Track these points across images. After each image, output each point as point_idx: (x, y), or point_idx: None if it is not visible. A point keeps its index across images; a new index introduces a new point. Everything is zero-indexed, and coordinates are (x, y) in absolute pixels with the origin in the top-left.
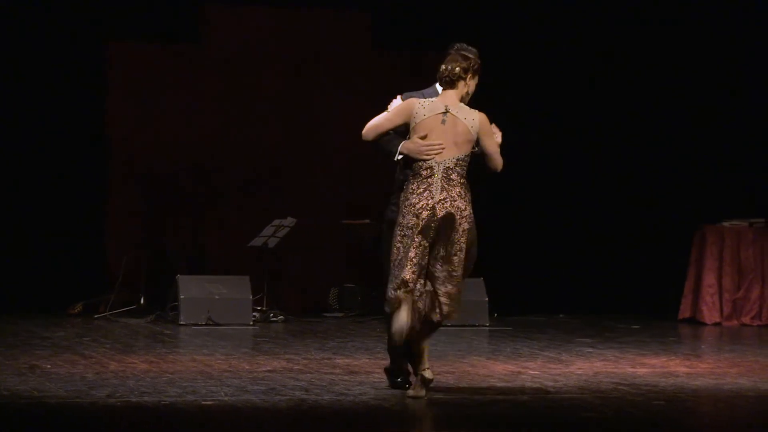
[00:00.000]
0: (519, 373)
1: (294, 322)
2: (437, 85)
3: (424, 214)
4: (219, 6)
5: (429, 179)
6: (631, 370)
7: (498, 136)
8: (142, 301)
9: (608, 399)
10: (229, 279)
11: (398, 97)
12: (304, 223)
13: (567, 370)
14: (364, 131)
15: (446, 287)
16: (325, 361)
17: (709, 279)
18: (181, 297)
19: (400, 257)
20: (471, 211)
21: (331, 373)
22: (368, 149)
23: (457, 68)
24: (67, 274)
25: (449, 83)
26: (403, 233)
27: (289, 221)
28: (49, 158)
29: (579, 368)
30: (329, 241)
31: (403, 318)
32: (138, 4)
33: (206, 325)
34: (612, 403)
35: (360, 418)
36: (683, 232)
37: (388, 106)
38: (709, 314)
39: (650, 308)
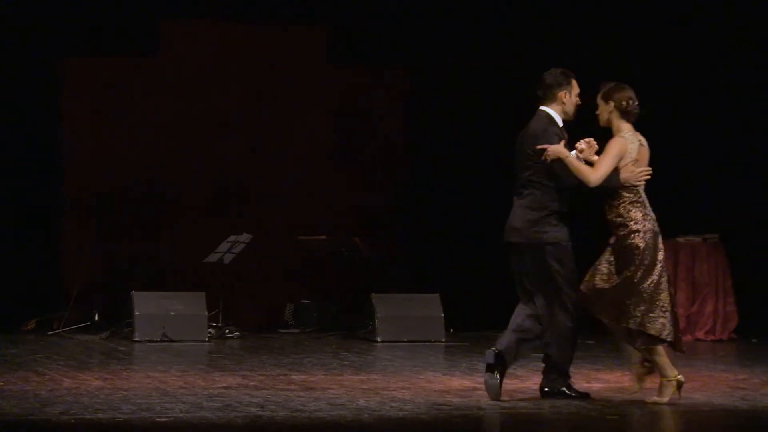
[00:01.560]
0: (475, 388)
1: (250, 338)
2: (556, 116)
3: (656, 233)
4: (177, 21)
5: (645, 201)
6: (586, 384)
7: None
8: (96, 318)
9: (563, 414)
10: (185, 295)
11: (548, 148)
12: (259, 239)
13: (523, 386)
14: (595, 181)
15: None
16: (281, 377)
17: None
18: (136, 313)
19: (656, 281)
20: None
21: (287, 390)
22: (324, 164)
23: (637, 102)
24: (21, 290)
25: (636, 116)
26: (652, 256)
27: (245, 237)
28: (3, 174)
29: (534, 383)
30: (285, 257)
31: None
32: (95, 18)
33: (161, 341)
34: (567, 418)
35: None
36: None
37: (573, 156)
38: None
39: (604, 323)
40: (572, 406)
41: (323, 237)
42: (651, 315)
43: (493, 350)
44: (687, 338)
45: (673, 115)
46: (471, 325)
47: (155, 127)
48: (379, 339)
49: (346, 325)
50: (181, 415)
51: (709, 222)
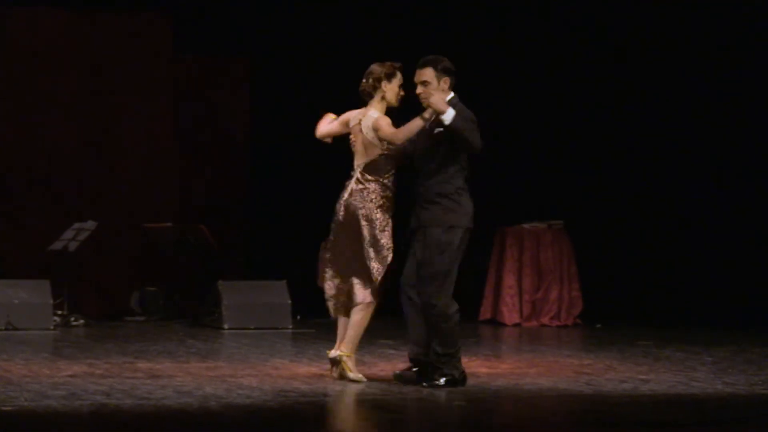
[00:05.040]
0: (322, 375)
1: (95, 327)
2: None
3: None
4: (13, 7)
5: None
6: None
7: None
8: None
9: (410, 400)
10: (29, 283)
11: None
12: (104, 226)
13: (369, 372)
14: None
15: None
16: (127, 365)
17: (509, 280)
18: None
19: None
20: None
21: (133, 378)
22: (167, 152)
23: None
24: None
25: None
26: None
27: (90, 225)
28: None
29: (381, 370)
30: (130, 245)
31: None
32: None
33: (5, 330)
34: (414, 405)
35: (162, 422)
36: (483, 233)
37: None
38: (509, 315)
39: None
40: (419, 392)
41: (169, 224)
42: None
43: None
44: (532, 324)
45: (516, 103)
46: (317, 313)
47: None
48: (225, 326)
49: (192, 312)
50: (26, 403)
51: (554, 209)
